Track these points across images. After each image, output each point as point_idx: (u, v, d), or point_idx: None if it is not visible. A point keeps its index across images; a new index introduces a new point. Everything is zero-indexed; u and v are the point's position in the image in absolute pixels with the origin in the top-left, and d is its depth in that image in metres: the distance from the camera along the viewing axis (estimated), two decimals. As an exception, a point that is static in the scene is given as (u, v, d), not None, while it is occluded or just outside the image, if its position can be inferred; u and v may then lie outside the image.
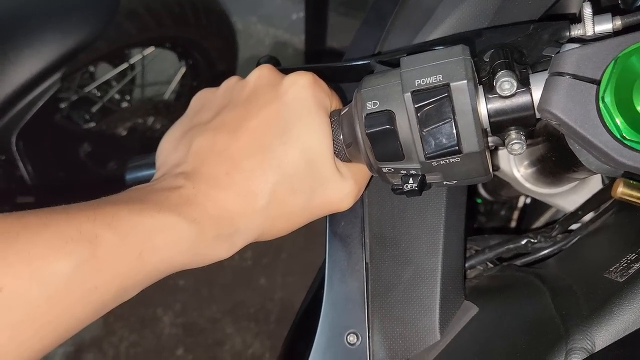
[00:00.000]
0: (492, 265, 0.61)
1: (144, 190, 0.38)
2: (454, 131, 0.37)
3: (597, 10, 0.41)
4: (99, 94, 1.23)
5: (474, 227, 0.94)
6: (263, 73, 0.42)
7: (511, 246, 0.58)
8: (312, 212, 0.42)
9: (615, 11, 0.41)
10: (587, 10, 0.40)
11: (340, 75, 0.52)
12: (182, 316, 1.56)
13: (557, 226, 0.58)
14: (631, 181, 0.30)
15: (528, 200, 0.90)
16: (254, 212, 0.39)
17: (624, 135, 0.33)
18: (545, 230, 0.58)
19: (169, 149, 0.44)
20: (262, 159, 0.39)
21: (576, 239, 0.54)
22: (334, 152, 0.42)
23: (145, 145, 1.18)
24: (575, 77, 0.34)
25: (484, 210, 1.02)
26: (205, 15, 1.19)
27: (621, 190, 0.29)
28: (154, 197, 0.37)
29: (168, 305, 1.57)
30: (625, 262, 0.41)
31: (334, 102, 0.44)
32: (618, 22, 0.40)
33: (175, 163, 0.41)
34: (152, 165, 0.46)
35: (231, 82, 0.45)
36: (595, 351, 0.38)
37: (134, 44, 1.15)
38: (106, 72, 1.23)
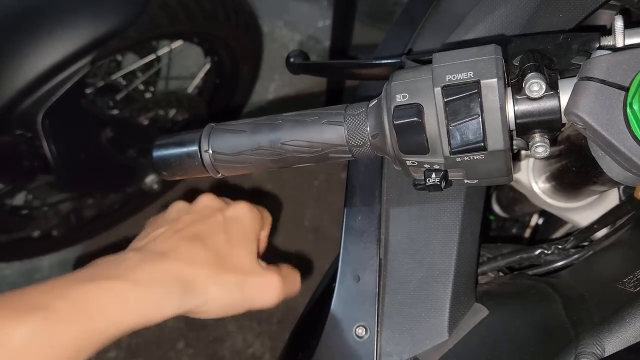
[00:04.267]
0: (503, 274, 0.61)
1: (96, 265, 0.44)
2: (481, 127, 0.38)
3: (628, 24, 0.41)
4: (124, 83, 1.25)
5: (488, 235, 0.94)
6: (205, 201, 0.52)
7: (524, 255, 0.59)
8: (245, 295, 0.47)
9: (646, 26, 0.41)
10: (619, 23, 0.40)
11: (369, 72, 0.53)
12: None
13: (571, 239, 0.58)
14: (654, 184, 0.30)
15: (540, 221, 0.90)
16: (194, 279, 0.45)
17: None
18: (560, 243, 0.58)
19: (143, 236, 0.50)
20: (204, 242, 0.47)
21: (590, 253, 0.55)
22: (355, 144, 0.43)
23: (167, 134, 1.19)
24: (604, 82, 0.35)
25: (496, 227, 1.02)
26: (235, 14, 1.20)
27: (644, 191, 0.30)
28: (105, 269, 0.43)
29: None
30: (640, 274, 0.42)
31: (266, 222, 0.53)
32: (648, 36, 0.41)
33: (131, 246, 0.48)
34: (178, 144, 0.48)
35: (178, 206, 0.53)
36: (605, 356, 0.38)
37: (163, 35, 1.17)
38: (133, 62, 1.25)
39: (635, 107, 0.34)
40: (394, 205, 0.53)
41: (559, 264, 0.56)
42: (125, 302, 0.41)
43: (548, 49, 0.42)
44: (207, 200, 0.52)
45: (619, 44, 0.41)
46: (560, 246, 0.58)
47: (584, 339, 0.40)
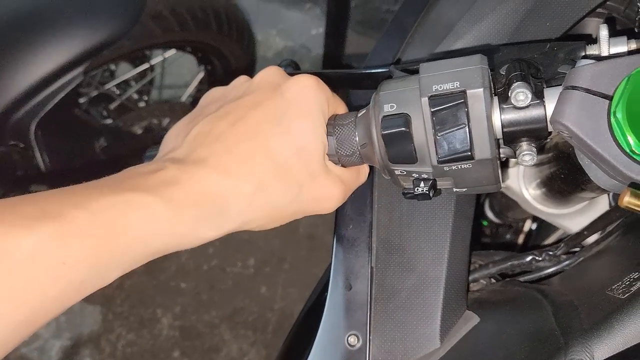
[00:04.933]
0: (495, 281, 0.62)
1: (127, 173, 0.38)
2: (468, 137, 0.38)
3: (613, 33, 0.42)
4: (118, 92, 1.25)
5: (479, 243, 0.95)
6: (270, 72, 0.44)
7: (515, 262, 0.59)
8: (297, 208, 0.42)
9: (630, 34, 0.42)
10: (604, 32, 0.41)
11: (359, 82, 0.53)
12: (180, 319, 1.57)
13: (562, 245, 0.59)
14: (638, 191, 0.31)
15: (534, 226, 0.90)
16: (239, 197, 0.39)
17: (634, 150, 0.34)
18: (550, 249, 0.58)
19: (171, 138, 0.45)
20: (255, 145, 0.40)
21: (580, 259, 0.55)
22: (344, 153, 0.44)
23: (159, 145, 1.19)
24: (588, 91, 0.35)
25: (490, 234, 1.03)
26: (227, 23, 1.21)
27: (627, 199, 0.30)
28: (134, 179, 0.37)
29: (168, 307, 1.58)
30: (628, 281, 0.42)
31: (338, 107, 0.45)
32: (633, 45, 0.41)
33: (170, 149, 0.42)
34: None
35: (240, 80, 0.46)
36: None
37: (157, 45, 1.17)
38: (127, 71, 1.26)
39: (619, 115, 0.34)
40: (385, 213, 0.53)
41: (550, 270, 0.57)
42: (155, 222, 0.35)
43: (534, 58, 0.42)
44: (267, 75, 0.44)
45: (604, 53, 0.41)
46: (551, 252, 0.58)
47: (573, 346, 0.40)
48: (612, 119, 0.34)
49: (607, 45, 0.41)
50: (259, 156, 0.40)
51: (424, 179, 0.41)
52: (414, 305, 0.51)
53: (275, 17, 1.88)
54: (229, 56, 1.31)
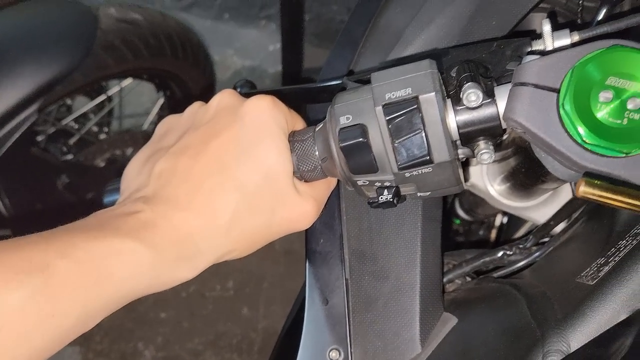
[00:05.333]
0: (470, 279, 0.62)
1: (102, 216, 0.38)
2: (425, 142, 0.38)
3: (557, 27, 0.43)
4: (76, 126, 1.23)
5: (452, 243, 0.95)
6: (224, 96, 0.44)
7: (487, 259, 0.59)
8: (273, 231, 0.42)
9: (573, 27, 0.43)
10: (547, 27, 0.42)
11: (314, 96, 0.53)
12: (163, 349, 1.54)
13: (531, 237, 0.60)
14: (593, 180, 0.31)
15: (505, 220, 0.92)
16: (215, 232, 0.39)
17: (585, 139, 0.35)
18: (520, 242, 0.59)
19: (132, 173, 0.44)
20: (222, 179, 0.40)
21: (550, 249, 0.56)
22: (306, 169, 0.43)
23: (119, 178, 1.18)
24: (536, 86, 0.36)
25: (463, 231, 1.04)
26: (182, 48, 1.21)
27: (583, 189, 0.31)
28: (111, 223, 0.37)
29: (149, 338, 1.54)
30: (596, 266, 0.43)
31: (296, 123, 0.45)
32: (576, 37, 0.42)
33: (137, 187, 0.42)
34: None
35: (194, 107, 0.46)
36: (571, 352, 0.39)
37: (112, 75, 1.16)
38: (84, 104, 1.24)
39: (567, 107, 0.35)
40: (354, 224, 0.53)
41: (521, 263, 0.57)
42: (139, 267, 0.35)
43: (483, 58, 0.43)
44: (222, 100, 0.43)
45: (549, 47, 0.42)
46: (521, 246, 0.59)
47: (549, 337, 0.40)
48: (562, 111, 0.35)
49: (551, 39, 0.42)
50: (228, 190, 0.40)
51: (387, 187, 0.42)
52: (392, 313, 0.51)
53: (231, 37, 1.88)
54: (187, 80, 1.30)
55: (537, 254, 0.57)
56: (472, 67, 0.40)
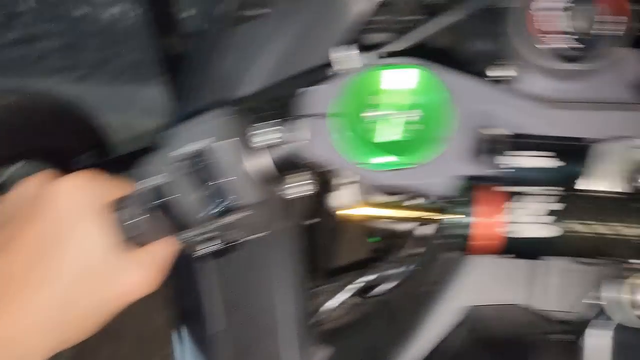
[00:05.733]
0: (360, 299, 0.62)
1: None
2: (229, 189, 0.38)
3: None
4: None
5: (331, 271, 0.95)
6: (21, 190, 0.42)
7: (364, 279, 0.59)
8: (108, 309, 0.41)
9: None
10: (332, 55, 0.43)
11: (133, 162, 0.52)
12: None
13: (403, 249, 0.60)
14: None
15: (428, 228, 0.92)
16: (43, 327, 0.38)
17: (359, 160, 0.36)
18: (391, 257, 0.60)
19: None
20: (43, 273, 0.38)
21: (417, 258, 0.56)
22: (135, 234, 0.42)
23: None
24: (313, 115, 0.37)
25: (385, 247, 1.04)
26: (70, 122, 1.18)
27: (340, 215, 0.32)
28: None
29: None
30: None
31: (119, 190, 0.43)
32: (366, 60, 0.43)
33: None
34: None
35: None
36: None
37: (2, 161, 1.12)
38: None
39: (338, 132, 0.36)
40: (215, 275, 0.53)
41: (395, 277, 0.57)
42: None
43: (283, 96, 0.44)
44: (22, 192, 0.41)
45: (336, 73, 0.43)
46: (393, 260, 0.59)
47: (398, 357, 0.41)
48: (335, 136, 0.36)
49: (339, 65, 0.43)
50: (50, 283, 0.38)
51: (211, 238, 0.41)
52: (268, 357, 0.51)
53: (132, 100, 1.86)
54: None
55: (407, 265, 0.57)
56: (262, 107, 0.41)
